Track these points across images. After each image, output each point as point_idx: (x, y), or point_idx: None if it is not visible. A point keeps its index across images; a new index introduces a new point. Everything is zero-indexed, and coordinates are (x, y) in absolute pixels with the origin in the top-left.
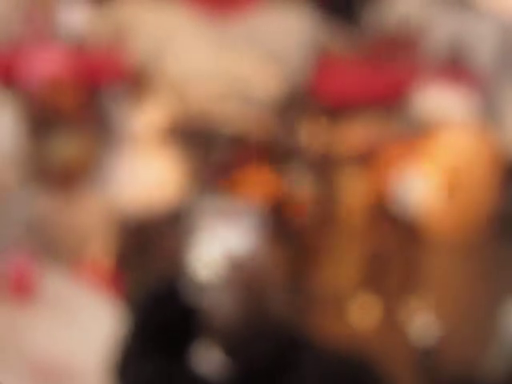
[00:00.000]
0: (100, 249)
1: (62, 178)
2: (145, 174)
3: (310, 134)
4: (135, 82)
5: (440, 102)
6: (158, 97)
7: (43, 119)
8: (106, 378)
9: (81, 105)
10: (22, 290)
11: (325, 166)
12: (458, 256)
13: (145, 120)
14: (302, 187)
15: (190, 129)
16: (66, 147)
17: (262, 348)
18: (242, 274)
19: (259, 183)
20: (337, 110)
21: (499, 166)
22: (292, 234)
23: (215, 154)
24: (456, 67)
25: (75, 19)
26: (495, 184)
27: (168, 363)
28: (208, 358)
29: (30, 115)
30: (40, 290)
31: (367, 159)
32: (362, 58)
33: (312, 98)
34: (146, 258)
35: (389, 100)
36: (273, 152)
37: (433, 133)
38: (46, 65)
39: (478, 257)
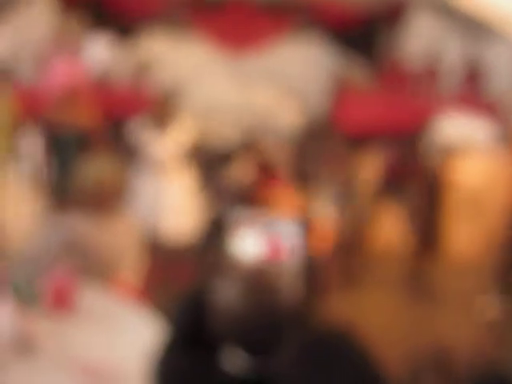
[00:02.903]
0: (132, 266)
1: (96, 200)
2: (170, 196)
3: (332, 164)
4: (158, 112)
5: (459, 129)
6: (180, 126)
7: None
8: (145, 378)
9: (101, 127)
10: (63, 303)
11: (348, 194)
12: (478, 276)
13: (168, 146)
14: (327, 214)
15: (211, 155)
16: (98, 171)
17: (280, 347)
18: (264, 279)
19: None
20: (357, 139)
21: None
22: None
23: (237, 178)
24: (474, 94)
25: (101, 54)
26: None
27: (200, 362)
28: (234, 357)
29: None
30: (79, 303)
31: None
32: (380, 89)
33: (332, 129)
34: (173, 273)
35: (408, 129)
36: (296, 181)
37: (454, 159)
38: (65, 80)
39: (494, 279)
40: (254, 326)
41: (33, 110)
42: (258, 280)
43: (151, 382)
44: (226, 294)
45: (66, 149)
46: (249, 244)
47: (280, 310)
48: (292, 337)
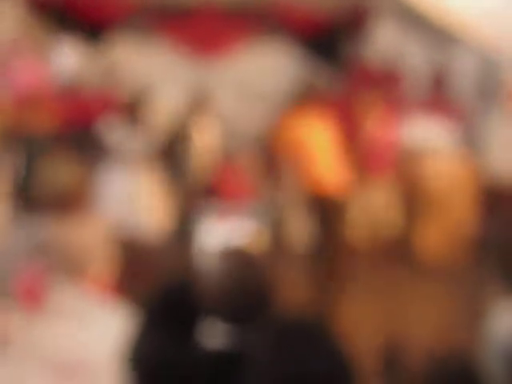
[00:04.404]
0: (102, 263)
1: (61, 201)
2: (141, 193)
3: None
4: (129, 113)
5: (424, 132)
6: (151, 126)
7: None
8: (117, 372)
9: (65, 130)
10: (34, 301)
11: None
12: (442, 276)
13: (139, 146)
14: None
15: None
16: (60, 173)
17: (258, 320)
18: (237, 259)
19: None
20: None
21: (480, 191)
22: None
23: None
24: (439, 98)
25: (69, 59)
26: (476, 208)
27: (177, 340)
28: (212, 331)
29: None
30: (50, 300)
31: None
32: (345, 94)
33: None
34: (145, 269)
35: None
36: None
37: (417, 160)
38: (27, 84)
39: (460, 277)
40: (235, 297)
41: None
42: (239, 257)
43: (125, 376)
44: (209, 271)
45: (29, 152)
46: (225, 234)
47: (260, 284)
48: (270, 314)
